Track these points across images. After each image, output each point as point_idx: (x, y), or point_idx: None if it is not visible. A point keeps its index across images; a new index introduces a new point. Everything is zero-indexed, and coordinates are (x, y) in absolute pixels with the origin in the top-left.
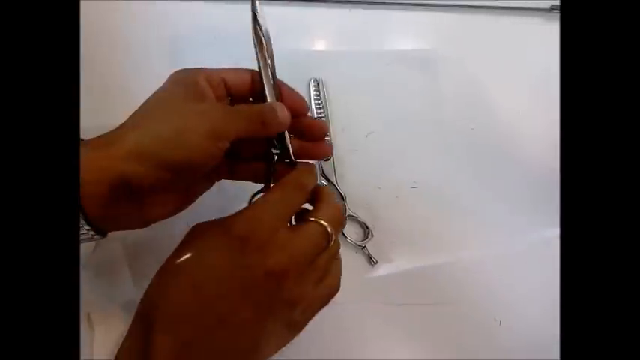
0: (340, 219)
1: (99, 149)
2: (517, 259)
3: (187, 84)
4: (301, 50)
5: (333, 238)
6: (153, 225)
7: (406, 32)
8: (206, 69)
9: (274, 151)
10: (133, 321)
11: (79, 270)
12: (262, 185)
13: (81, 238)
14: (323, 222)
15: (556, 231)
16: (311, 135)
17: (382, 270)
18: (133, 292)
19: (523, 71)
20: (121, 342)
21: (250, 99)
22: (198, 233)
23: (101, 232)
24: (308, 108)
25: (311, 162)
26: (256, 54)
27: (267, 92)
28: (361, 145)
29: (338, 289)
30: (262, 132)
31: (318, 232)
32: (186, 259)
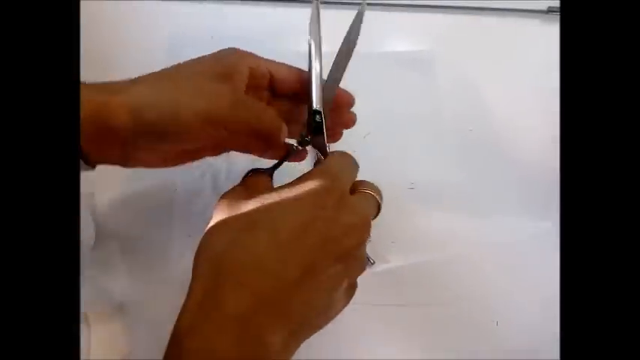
0: (381, 195)
1: (99, 93)
2: (515, 259)
3: (223, 62)
4: (300, 51)
5: (380, 211)
6: (152, 228)
7: (403, 33)
8: (259, 57)
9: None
10: (196, 275)
11: (79, 269)
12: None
13: None
14: (373, 193)
15: (554, 231)
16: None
17: (380, 270)
18: (130, 291)
19: (520, 72)
20: (117, 342)
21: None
22: (265, 186)
23: (89, 162)
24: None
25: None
26: (309, 55)
27: (313, 95)
28: (359, 145)
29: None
30: (256, 139)
31: (373, 201)
32: (262, 209)
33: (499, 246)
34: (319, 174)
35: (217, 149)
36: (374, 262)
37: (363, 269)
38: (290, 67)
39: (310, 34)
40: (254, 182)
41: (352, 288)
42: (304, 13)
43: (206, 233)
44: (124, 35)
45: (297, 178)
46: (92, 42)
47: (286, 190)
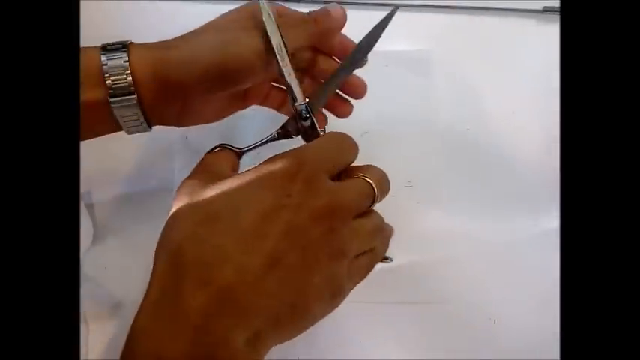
0: (386, 182)
1: (156, 50)
2: (512, 257)
3: (253, 13)
4: None
5: (378, 198)
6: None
7: (400, 33)
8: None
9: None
10: (154, 272)
11: (79, 267)
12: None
13: (134, 127)
14: (369, 179)
15: (551, 229)
16: (354, 91)
17: (377, 268)
18: (128, 291)
19: (517, 72)
20: (115, 341)
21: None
22: (226, 167)
23: (149, 124)
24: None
25: None
26: (275, 54)
27: (294, 91)
28: None
29: (373, 267)
30: (314, 34)
31: (364, 186)
32: (223, 200)
33: (497, 244)
34: (286, 158)
35: (262, 93)
36: (392, 259)
37: (349, 272)
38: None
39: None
40: (214, 163)
41: (334, 290)
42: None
43: (165, 225)
44: (125, 35)
45: (262, 162)
46: (93, 42)
47: (248, 175)
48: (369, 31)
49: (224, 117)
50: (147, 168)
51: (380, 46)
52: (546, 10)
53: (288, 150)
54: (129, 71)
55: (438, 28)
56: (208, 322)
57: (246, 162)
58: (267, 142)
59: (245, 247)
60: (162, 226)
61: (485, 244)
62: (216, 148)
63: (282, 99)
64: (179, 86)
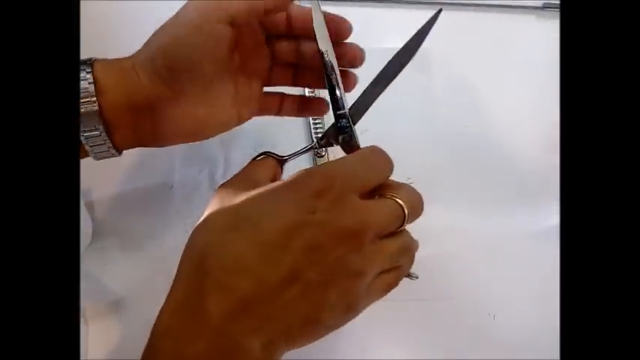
0: (419, 204)
1: (111, 65)
2: (511, 254)
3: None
4: None
5: (408, 220)
6: (149, 223)
7: (400, 30)
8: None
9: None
10: (179, 273)
11: (79, 265)
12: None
13: (99, 152)
14: (400, 200)
15: (550, 225)
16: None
17: None
18: (127, 287)
19: (516, 68)
20: (114, 338)
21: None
22: (264, 178)
23: (116, 148)
24: (350, 30)
25: None
26: (322, 58)
27: (338, 98)
28: None
29: (396, 285)
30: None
31: (393, 208)
32: (249, 209)
33: (496, 241)
34: (316, 173)
35: (242, 98)
36: (417, 276)
37: (366, 290)
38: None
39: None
40: (255, 170)
41: (348, 307)
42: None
43: (195, 228)
44: (125, 36)
45: (295, 174)
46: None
47: (279, 187)
48: (414, 33)
49: (209, 132)
50: (147, 165)
51: (380, 42)
52: (546, 6)
53: (321, 164)
54: (94, 97)
55: (437, 25)
56: (227, 325)
57: (290, 169)
58: (309, 149)
59: (265, 258)
60: (162, 223)
61: (485, 241)
62: (260, 155)
63: (276, 104)
64: (143, 91)
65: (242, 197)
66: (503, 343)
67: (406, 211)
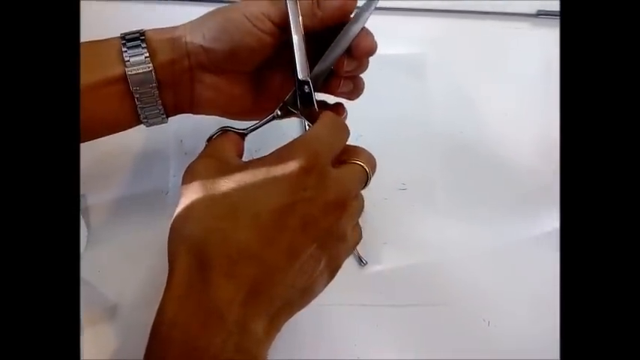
0: (375, 164)
1: (163, 31)
2: (506, 260)
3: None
4: None
5: (369, 180)
6: (144, 229)
7: (395, 37)
8: (244, 5)
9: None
10: (176, 265)
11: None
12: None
13: (150, 113)
14: (363, 164)
15: (547, 231)
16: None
17: (372, 271)
18: (123, 295)
19: (510, 74)
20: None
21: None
22: (239, 167)
23: (164, 109)
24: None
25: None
26: (289, 27)
27: (297, 65)
28: None
29: (361, 240)
30: (314, 13)
31: (360, 172)
32: (239, 192)
33: (492, 247)
34: (300, 150)
35: (275, 84)
36: (366, 262)
37: (346, 249)
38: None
39: (288, 5)
40: (220, 148)
41: (334, 269)
42: None
43: (180, 216)
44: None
45: (275, 152)
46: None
47: (264, 168)
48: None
49: (237, 113)
50: (142, 171)
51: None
52: (540, 13)
53: (295, 140)
54: (150, 66)
55: (433, 32)
56: (234, 313)
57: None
58: (269, 121)
59: (267, 241)
60: (157, 229)
61: (481, 247)
62: (218, 131)
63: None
64: (189, 56)
65: (226, 181)
66: (501, 349)
67: (369, 174)
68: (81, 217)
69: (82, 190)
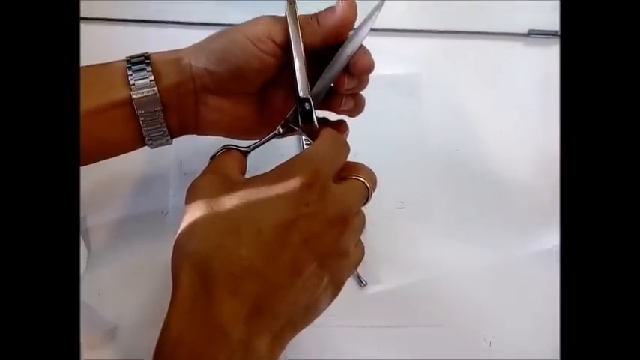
0: (375, 180)
1: (168, 55)
2: (506, 279)
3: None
4: None
5: (370, 198)
6: (144, 251)
7: (391, 57)
8: (246, 27)
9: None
10: (179, 282)
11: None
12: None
13: (154, 135)
14: (364, 180)
15: (544, 249)
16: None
17: (372, 291)
18: (123, 317)
19: (504, 92)
20: None
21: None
22: (242, 184)
23: (168, 131)
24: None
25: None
26: (291, 45)
27: (298, 83)
28: None
29: (363, 257)
30: (314, 31)
31: (361, 188)
32: (244, 211)
33: (490, 265)
34: (301, 166)
35: (278, 104)
36: (366, 282)
37: (349, 265)
38: (273, 21)
39: (288, 20)
40: (223, 165)
41: (337, 285)
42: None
43: (184, 233)
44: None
45: (277, 169)
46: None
47: (266, 184)
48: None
49: (241, 133)
50: (142, 192)
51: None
52: (531, 33)
53: (297, 156)
54: (155, 89)
55: (427, 52)
56: (239, 330)
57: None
58: (270, 139)
59: (269, 257)
60: (156, 250)
61: (479, 265)
62: (221, 149)
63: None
64: (192, 84)
65: (230, 198)
66: None
67: (370, 190)
68: (81, 238)
69: (83, 212)
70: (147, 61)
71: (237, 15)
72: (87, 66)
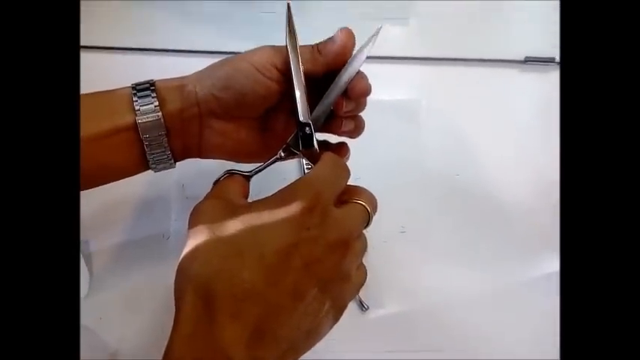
0: (376, 204)
1: (172, 81)
2: (505, 301)
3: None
4: None
5: (371, 219)
6: (146, 275)
7: (391, 84)
8: (251, 55)
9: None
10: (182, 305)
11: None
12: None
13: (158, 159)
14: (365, 204)
15: (544, 273)
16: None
17: (374, 316)
18: (124, 341)
19: (503, 118)
20: None
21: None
22: (245, 208)
23: (172, 154)
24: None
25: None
26: (291, 70)
27: (298, 108)
28: None
29: (365, 281)
30: (316, 60)
31: (362, 212)
32: (245, 232)
33: (490, 290)
34: (302, 190)
35: (280, 129)
36: (367, 307)
37: (351, 289)
38: (275, 50)
39: (289, 49)
40: (226, 190)
41: (339, 310)
42: None
43: (187, 257)
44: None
45: (279, 193)
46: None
47: (268, 208)
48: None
49: (244, 156)
50: (144, 216)
51: (372, 95)
52: (528, 60)
53: (298, 180)
54: (159, 114)
55: (426, 79)
56: (241, 353)
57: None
58: (273, 163)
59: (271, 281)
60: (158, 275)
61: (480, 290)
62: (224, 174)
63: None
64: (198, 103)
65: (233, 222)
66: None
67: (370, 214)
68: (84, 263)
69: (85, 236)
70: (152, 87)
71: (237, 43)
72: (91, 93)
